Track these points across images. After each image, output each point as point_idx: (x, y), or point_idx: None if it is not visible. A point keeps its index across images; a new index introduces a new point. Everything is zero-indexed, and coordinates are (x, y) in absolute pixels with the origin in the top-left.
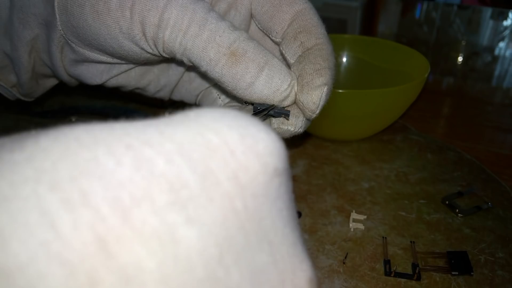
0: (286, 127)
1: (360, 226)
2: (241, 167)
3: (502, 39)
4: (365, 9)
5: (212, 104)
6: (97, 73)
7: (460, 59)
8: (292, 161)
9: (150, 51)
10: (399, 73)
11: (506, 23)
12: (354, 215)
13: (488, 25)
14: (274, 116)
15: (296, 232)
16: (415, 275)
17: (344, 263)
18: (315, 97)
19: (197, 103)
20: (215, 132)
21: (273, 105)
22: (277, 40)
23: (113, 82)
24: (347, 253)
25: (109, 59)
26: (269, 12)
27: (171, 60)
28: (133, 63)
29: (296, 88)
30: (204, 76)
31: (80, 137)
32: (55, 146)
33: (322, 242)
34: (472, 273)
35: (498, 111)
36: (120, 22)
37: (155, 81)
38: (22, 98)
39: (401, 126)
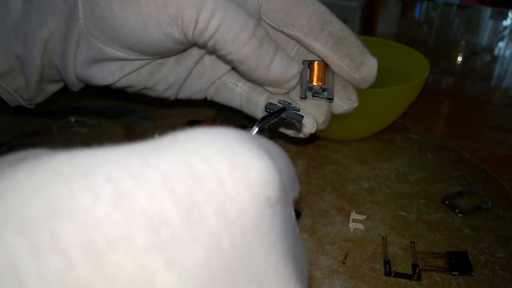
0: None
1: (360, 226)
2: (230, 199)
3: (502, 39)
4: (365, 9)
5: (231, 94)
6: (109, 72)
7: (459, 59)
8: (292, 161)
9: (177, 36)
10: (398, 72)
11: (505, 23)
12: (354, 215)
13: (487, 25)
14: (285, 120)
15: (290, 266)
16: (415, 275)
17: (344, 263)
18: (374, 67)
19: (209, 98)
20: (203, 160)
21: (284, 108)
22: (293, 33)
23: (123, 82)
24: (347, 253)
25: (126, 55)
26: (285, 9)
27: (185, 51)
28: (149, 56)
29: (299, 67)
30: (215, 65)
31: (58, 168)
32: (30, 179)
33: (322, 242)
34: (472, 273)
35: (497, 111)
36: (150, 8)
37: (164, 79)
38: (24, 103)
39: (400, 126)
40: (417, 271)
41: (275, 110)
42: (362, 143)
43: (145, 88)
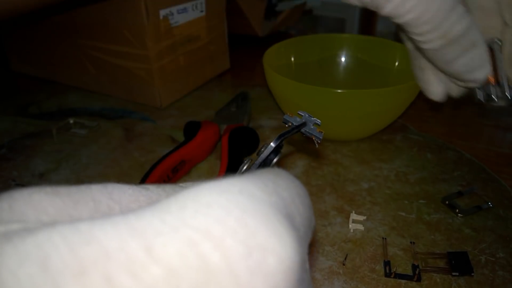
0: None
1: (360, 227)
2: None
3: None
4: (364, 8)
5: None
6: None
7: None
8: (291, 161)
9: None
10: (398, 72)
11: None
12: (353, 216)
13: None
14: (303, 134)
15: None
16: (416, 276)
17: (344, 264)
18: None
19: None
20: (214, 245)
21: (304, 122)
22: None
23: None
24: (346, 254)
25: None
26: None
27: None
28: None
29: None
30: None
31: (47, 262)
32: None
33: (322, 244)
34: (472, 274)
35: (497, 110)
36: None
37: None
38: None
39: (400, 126)
40: (417, 272)
41: (294, 125)
42: (361, 143)
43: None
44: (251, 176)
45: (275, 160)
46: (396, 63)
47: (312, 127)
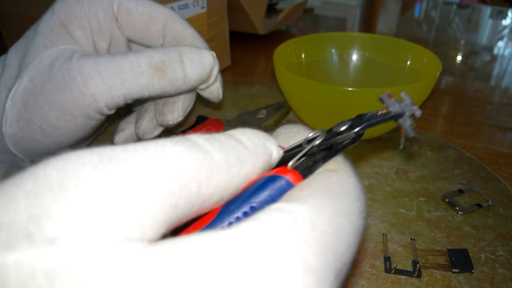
0: (166, 123)
1: None
2: None
3: (501, 38)
4: (365, 7)
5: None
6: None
7: (459, 58)
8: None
9: (99, 117)
10: (410, 71)
11: (505, 22)
12: None
13: (487, 24)
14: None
15: None
16: (416, 272)
17: None
18: (216, 91)
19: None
20: None
21: (403, 112)
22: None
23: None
24: None
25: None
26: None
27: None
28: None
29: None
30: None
31: None
32: None
33: None
34: (472, 271)
35: (497, 110)
36: (80, 103)
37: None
38: None
39: None
40: (417, 268)
41: (391, 114)
42: (361, 141)
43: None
44: (316, 218)
45: (349, 146)
46: (408, 62)
47: (408, 119)
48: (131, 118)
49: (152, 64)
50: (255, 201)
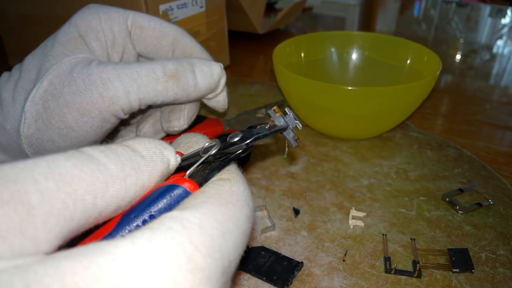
0: (172, 129)
1: (360, 223)
2: None
3: (501, 36)
4: (364, 6)
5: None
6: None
7: (458, 56)
8: (291, 158)
9: (114, 121)
10: (410, 70)
11: (504, 21)
12: (353, 212)
13: (486, 23)
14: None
15: None
16: (416, 272)
17: (343, 260)
18: (222, 100)
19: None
20: None
21: (286, 127)
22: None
23: None
24: (346, 250)
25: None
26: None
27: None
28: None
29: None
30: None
31: None
32: None
33: (321, 239)
34: (473, 270)
35: (496, 108)
36: (100, 108)
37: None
38: None
39: (400, 123)
40: (417, 268)
41: (276, 128)
42: (361, 141)
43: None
44: (204, 223)
45: (241, 154)
46: (408, 61)
47: (291, 131)
48: (131, 127)
49: (167, 72)
50: (154, 209)
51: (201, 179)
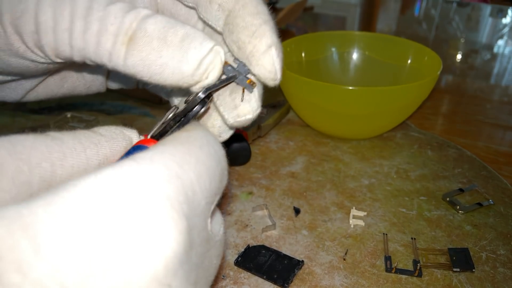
0: (244, 118)
1: (360, 223)
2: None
3: (501, 36)
4: (364, 6)
5: (158, 89)
6: (10, 90)
7: (459, 56)
8: (292, 157)
9: (43, 60)
10: (411, 70)
11: (505, 20)
12: (354, 212)
13: (487, 23)
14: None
15: None
16: (416, 271)
17: (344, 259)
18: (267, 65)
19: (141, 87)
20: (96, 243)
21: (235, 75)
22: (190, 5)
23: (33, 96)
24: (347, 250)
25: (6, 78)
26: None
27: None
28: (36, 76)
29: (222, 55)
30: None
31: None
32: None
33: (322, 239)
34: (473, 270)
35: (497, 108)
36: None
37: (80, 79)
38: None
39: (401, 123)
40: (418, 267)
41: (225, 77)
42: (362, 140)
43: (64, 95)
44: (156, 158)
45: (201, 111)
46: (409, 61)
47: (244, 78)
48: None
49: (132, 29)
50: None
51: (158, 136)
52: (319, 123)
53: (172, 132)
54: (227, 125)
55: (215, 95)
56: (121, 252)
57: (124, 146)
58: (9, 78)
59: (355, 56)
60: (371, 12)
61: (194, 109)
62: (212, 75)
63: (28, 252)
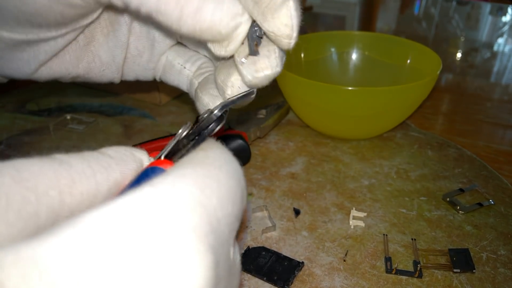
0: (262, 74)
1: (361, 224)
2: None
3: (501, 35)
4: (364, 5)
5: (178, 76)
6: (22, 63)
7: (459, 55)
8: (291, 158)
9: None
10: (410, 70)
11: (505, 18)
12: (354, 212)
13: (487, 21)
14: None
15: None
16: (417, 272)
17: (344, 260)
18: (284, 17)
19: (158, 79)
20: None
21: (253, 90)
22: None
23: (46, 72)
24: (347, 251)
25: (23, 35)
26: None
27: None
28: (49, 31)
29: (246, 16)
30: (153, 40)
31: None
32: None
33: (322, 240)
34: (474, 271)
35: (497, 107)
36: None
37: (97, 60)
38: None
39: (401, 123)
40: (418, 268)
41: (242, 93)
42: (362, 141)
43: (78, 76)
44: (178, 184)
45: (216, 129)
46: (408, 61)
47: (256, 30)
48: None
49: None
50: None
51: (174, 157)
52: (318, 124)
53: (187, 151)
54: (246, 83)
55: (236, 53)
56: None
57: (135, 169)
58: (27, 36)
59: (354, 56)
60: (370, 11)
61: (210, 127)
62: (242, 29)
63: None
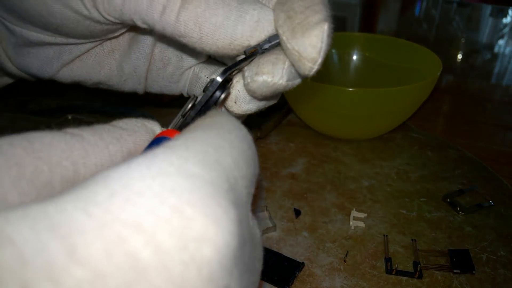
0: (261, 78)
1: (361, 224)
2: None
3: (502, 36)
4: (365, 6)
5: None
6: (46, 61)
7: (459, 56)
8: (292, 159)
9: (87, 13)
10: (410, 71)
11: (505, 20)
12: (354, 213)
13: (487, 23)
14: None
15: None
16: (417, 273)
17: (344, 261)
18: (314, 38)
19: (185, 93)
20: (144, 239)
21: (255, 54)
22: None
23: (67, 74)
24: (347, 251)
25: (48, 37)
26: None
27: (126, 32)
28: (75, 39)
29: (272, 27)
30: (179, 53)
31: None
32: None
33: (322, 240)
34: (474, 272)
35: (497, 109)
36: None
37: (118, 69)
38: None
39: (401, 124)
40: (418, 269)
41: (244, 57)
42: (362, 142)
43: (99, 82)
44: (190, 143)
45: (221, 97)
46: (409, 62)
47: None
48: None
49: None
50: None
51: (181, 126)
52: (319, 124)
53: (192, 119)
54: (245, 86)
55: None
56: (168, 251)
57: (148, 140)
58: (55, 39)
59: (355, 57)
60: (371, 12)
61: (215, 95)
62: (260, 36)
63: (59, 256)
